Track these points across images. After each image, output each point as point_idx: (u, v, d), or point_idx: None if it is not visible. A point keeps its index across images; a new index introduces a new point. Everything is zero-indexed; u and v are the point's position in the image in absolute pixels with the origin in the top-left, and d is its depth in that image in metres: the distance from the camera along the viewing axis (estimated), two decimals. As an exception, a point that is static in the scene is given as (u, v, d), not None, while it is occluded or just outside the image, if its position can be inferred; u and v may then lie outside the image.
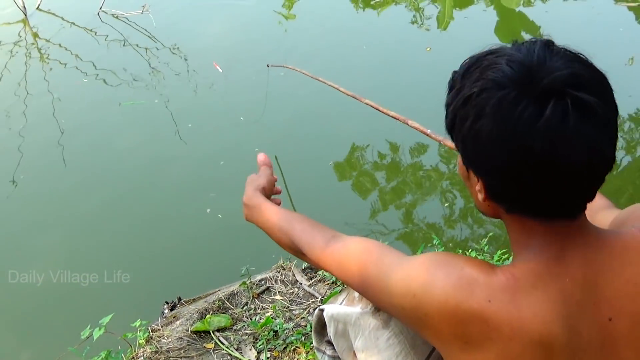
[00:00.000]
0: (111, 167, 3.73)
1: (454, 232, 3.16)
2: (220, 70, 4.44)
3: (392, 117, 2.79)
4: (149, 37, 4.99)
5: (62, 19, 5.36)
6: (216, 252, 3.11)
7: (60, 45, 4.95)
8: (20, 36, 5.20)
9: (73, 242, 3.20)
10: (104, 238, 3.22)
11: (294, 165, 3.46)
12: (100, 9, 5.31)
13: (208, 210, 3.28)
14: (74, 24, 5.25)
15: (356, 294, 1.13)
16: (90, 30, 5.16)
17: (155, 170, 3.71)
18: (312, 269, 2.48)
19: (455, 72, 0.93)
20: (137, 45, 4.93)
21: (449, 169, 3.57)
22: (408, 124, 2.69)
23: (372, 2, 5.27)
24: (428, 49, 4.64)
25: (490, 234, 2.66)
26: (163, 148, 3.83)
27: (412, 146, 3.67)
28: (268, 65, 3.82)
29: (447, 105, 0.91)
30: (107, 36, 5.04)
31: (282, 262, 2.56)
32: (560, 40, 0.90)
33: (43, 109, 4.19)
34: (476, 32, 4.78)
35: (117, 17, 5.27)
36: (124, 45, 4.92)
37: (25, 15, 5.34)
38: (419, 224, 3.23)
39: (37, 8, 5.45)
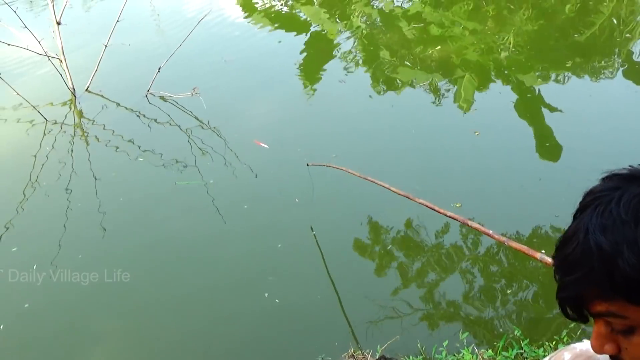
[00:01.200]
0: (164, 248, 3.98)
1: (478, 312, 3.42)
2: (265, 146, 4.91)
3: (450, 217, 2.90)
4: (196, 119, 5.48)
5: (110, 100, 5.90)
6: (276, 339, 3.27)
7: (104, 128, 5.43)
8: (67, 116, 5.68)
9: (132, 327, 3.44)
10: (160, 320, 3.45)
11: (334, 243, 3.93)
12: (149, 90, 5.82)
13: (266, 294, 3.52)
14: (119, 104, 5.78)
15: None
16: (138, 112, 5.67)
17: (210, 251, 3.96)
18: (388, 358, 2.64)
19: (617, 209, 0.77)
20: (186, 128, 5.37)
21: (469, 247, 3.92)
22: (468, 225, 2.82)
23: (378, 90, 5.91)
24: (477, 132, 4.98)
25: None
26: (218, 229, 4.11)
27: (437, 229, 4.03)
28: (308, 165, 4.22)
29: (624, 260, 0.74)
30: (156, 119, 5.53)
31: (352, 350, 2.84)
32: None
33: (86, 189, 4.58)
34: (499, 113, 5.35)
35: (165, 99, 5.80)
36: (170, 125, 5.38)
37: (74, 95, 5.87)
38: (441, 302, 3.51)
39: (86, 90, 6.00)
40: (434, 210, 2.97)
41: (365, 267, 3.79)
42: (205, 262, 3.89)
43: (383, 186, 3.33)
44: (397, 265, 3.84)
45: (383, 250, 3.96)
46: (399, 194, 3.23)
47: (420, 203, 3.08)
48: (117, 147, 5.15)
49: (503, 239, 2.61)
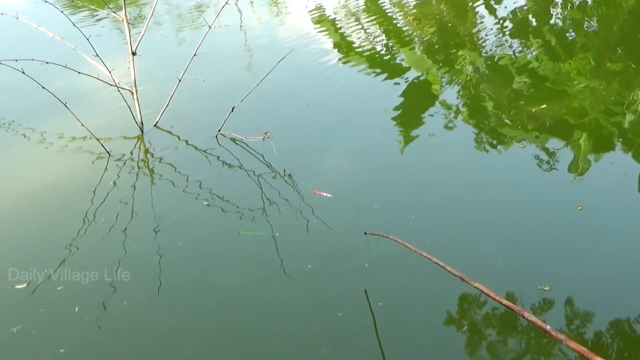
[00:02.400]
0: (216, 306, 4.33)
1: None
2: (329, 195, 5.29)
3: (505, 305, 3.13)
4: (267, 165, 5.92)
5: (178, 138, 6.52)
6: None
7: (174, 168, 5.98)
8: (133, 152, 6.33)
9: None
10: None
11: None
12: (219, 131, 6.39)
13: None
14: (188, 142, 6.38)
15: None
16: (207, 153, 6.20)
17: (264, 314, 4.25)
18: None
19: None
20: (257, 173, 5.83)
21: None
22: (524, 316, 3.00)
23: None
24: (579, 207, 5.07)
25: None
26: (276, 289, 4.43)
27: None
28: (366, 233, 4.48)
29: None
30: (225, 161, 6.03)
31: None
32: None
33: (144, 230, 5.07)
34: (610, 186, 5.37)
35: (235, 141, 6.34)
36: (238, 169, 5.88)
37: (142, 130, 6.56)
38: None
39: (155, 125, 6.68)
40: (489, 296, 3.24)
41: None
42: (259, 320, 4.21)
43: (438, 264, 3.63)
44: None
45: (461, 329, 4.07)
46: (454, 274, 3.52)
47: (476, 287, 3.34)
48: (183, 188, 5.68)
49: (561, 336, 2.75)
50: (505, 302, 3.13)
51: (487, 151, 6.26)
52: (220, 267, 4.74)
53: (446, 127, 6.73)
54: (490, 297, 3.23)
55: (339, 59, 8.70)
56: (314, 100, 7.31)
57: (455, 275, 3.53)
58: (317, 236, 4.96)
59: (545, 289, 4.29)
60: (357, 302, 4.31)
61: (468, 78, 7.98)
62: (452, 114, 7.02)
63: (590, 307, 4.22)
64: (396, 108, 7.14)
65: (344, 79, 8.05)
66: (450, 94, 7.52)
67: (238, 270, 4.68)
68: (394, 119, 6.91)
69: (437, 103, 7.32)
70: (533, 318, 2.90)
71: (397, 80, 7.95)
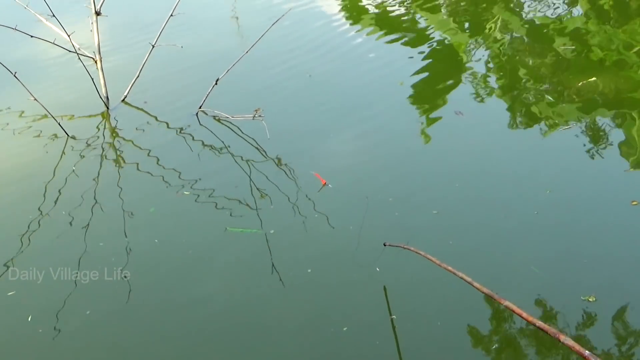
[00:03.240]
0: (196, 321, 4.24)
1: None
2: (329, 185, 5.26)
3: (539, 327, 3.16)
4: (257, 149, 5.84)
5: (151, 115, 6.43)
6: None
7: (146, 152, 5.91)
8: (97, 133, 6.24)
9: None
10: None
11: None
12: (200, 107, 6.28)
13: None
14: (163, 122, 6.31)
15: None
16: (185, 134, 6.13)
17: (255, 331, 4.17)
18: None
19: None
20: (242, 158, 5.77)
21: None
22: (560, 340, 3.00)
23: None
24: (634, 202, 5.02)
25: None
26: (269, 298, 4.35)
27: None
28: (385, 245, 4.46)
29: None
30: (206, 145, 5.96)
31: None
32: None
33: (113, 226, 4.98)
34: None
35: (219, 120, 6.24)
36: (224, 153, 5.83)
37: (107, 107, 6.45)
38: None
39: (123, 100, 6.57)
40: (521, 317, 3.32)
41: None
42: (250, 337, 4.14)
43: (464, 279, 3.69)
44: None
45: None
46: (482, 291, 3.59)
47: (506, 306, 3.42)
48: (157, 176, 5.63)
49: (586, 352, 2.84)
50: (539, 323, 3.18)
51: (525, 133, 6.18)
52: (201, 273, 4.65)
53: (475, 104, 6.68)
54: (522, 317, 3.31)
55: (347, 23, 8.62)
56: (315, 73, 7.23)
57: (483, 292, 3.58)
58: (319, 235, 4.89)
59: (590, 299, 4.22)
60: (365, 315, 4.24)
61: (501, 44, 7.89)
62: (483, 88, 6.95)
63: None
64: (415, 81, 7.08)
65: (353, 46, 8.00)
66: (480, 64, 7.46)
67: (224, 276, 4.60)
68: (412, 94, 6.85)
69: (464, 75, 7.25)
70: (570, 342, 2.93)
71: (416, 47, 7.88)
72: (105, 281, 4.56)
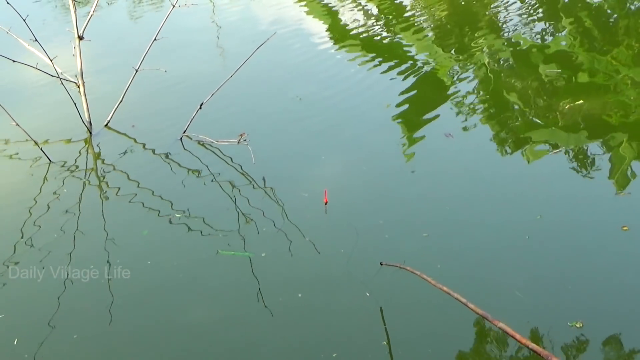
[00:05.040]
0: (183, 350, 4.21)
1: None
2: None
3: (532, 349, 3.29)
4: (243, 174, 5.85)
5: (135, 141, 6.44)
6: None
7: (122, 172, 5.92)
8: (79, 158, 6.22)
9: None
10: None
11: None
12: (185, 133, 6.29)
13: None
14: (147, 147, 6.31)
15: None
16: (170, 159, 6.14)
17: (238, 357, 4.18)
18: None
19: None
20: (230, 183, 5.77)
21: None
22: None
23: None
24: (625, 228, 5.03)
25: None
26: (258, 323, 4.36)
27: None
28: (381, 264, 4.52)
29: None
30: (190, 171, 5.96)
31: None
32: None
33: (97, 254, 4.93)
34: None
35: (203, 145, 6.26)
36: (210, 179, 5.82)
37: (90, 132, 6.45)
38: None
39: (106, 125, 6.58)
40: (515, 338, 3.44)
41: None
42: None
43: (459, 300, 3.76)
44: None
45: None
46: (477, 313, 3.65)
47: (500, 328, 3.53)
48: (140, 202, 5.62)
49: None
50: (532, 345, 3.28)
51: (512, 157, 6.21)
52: (191, 297, 4.67)
53: (463, 127, 6.71)
54: (516, 339, 3.39)
55: (333, 46, 8.71)
56: (302, 95, 7.29)
57: (478, 313, 3.62)
58: (309, 258, 4.92)
59: (577, 325, 4.24)
60: (356, 341, 4.24)
61: (487, 68, 7.96)
62: (470, 111, 7.01)
63: (632, 347, 4.18)
64: (402, 103, 7.13)
65: (339, 69, 8.04)
66: (466, 87, 7.51)
67: (214, 300, 4.63)
68: (399, 116, 6.89)
69: (451, 98, 7.31)
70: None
71: (402, 70, 7.93)
72: (87, 310, 4.57)
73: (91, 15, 6.66)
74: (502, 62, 8.20)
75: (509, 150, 6.32)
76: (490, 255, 4.93)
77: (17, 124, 5.95)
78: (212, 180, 5.91)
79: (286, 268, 4.86)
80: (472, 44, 8.62)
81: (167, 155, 6.27)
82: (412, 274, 4.26)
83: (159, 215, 5.44)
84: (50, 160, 6.12)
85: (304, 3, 10.11)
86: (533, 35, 8.80)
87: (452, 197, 5.55)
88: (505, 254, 4.92)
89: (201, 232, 5.22)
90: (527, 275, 4.68)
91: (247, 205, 5.51)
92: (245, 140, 6.00)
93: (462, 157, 6.14)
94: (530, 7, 9.60)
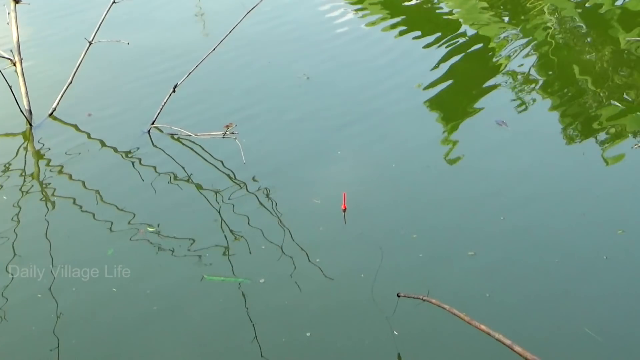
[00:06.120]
0: None
1: None
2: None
3: None
4: (229, 176, 5.79)
5: (89, 135, 6.35)
6: None
7: (76, 177, 5.82)
8: (16, 158, 6.15)
9: None
10: None
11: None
12: (153, 123, 6.22)
13: None
14: (105, 143, 6.21)
15: None
16: (134, 158, 6.06)
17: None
18: None
19: None
20: (212, 186, 5.71)
21: None
22: None
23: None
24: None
25: None
26: None
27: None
28: (399, 296, 4.50)
29: None
30: (159, 172, 5.88)
31: None
32: None
33: (45, 279, 4.83)
34: None
35: (179, 139, 6.20)
36: (186, 181, 5.77)
37: (30, 123, 6.38)
38: None
39: (51, 115, 6.51)
40: None
41: None
42: None
43: (502, 342, 3.81)
44: None
45: None
46: (525, 358, 3.67)
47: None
48: (96, 213, 5.54)
49: None
50: None
51: (585, 153, 6.18)
52: (167, 334, 4.60)
53: (517, 114, 6.68)
54: None
55: (346, 9, 8.67)
56: (308, 74, 7.26)
57: (527, 359, 3.63)
58: (320, 286, 4.88)
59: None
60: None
61: (550, 36, 7.91)
62: (528, 92, 6.96)
63: None
64: (437, 83, 7.12)
65: (355, 39, 8.01)
66: (523, 62, 7.48)
67: (196, 341, 4.54)
68: (435, 99, 6.87)
69: (503, 75, 7.27)
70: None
71: (438, 40, 7.93)
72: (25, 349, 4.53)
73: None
74: (570, 27, 8.15)
75: (580, 144, 6.34)
76: (554, 280, 4.88)
77: None
78: (190, 185, 5.87)
79: (291, 299, 4.80)
80: (528, 5, 8.54)
81: (130, 154, 6.21)
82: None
83: (126, 231, 5.37)
84: (-21, 161, 6.05)
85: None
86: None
87: (506, 204, 5.53)
88: (574, 280, 4.86)
89: (180, 252, 5.16)
90: (603, 308, 4.65)
91: (239, 217, 5.47)
92: (233, 133, 5.96)
93: (519, 152, 6.13)
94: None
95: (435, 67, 7.37)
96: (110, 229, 5.42)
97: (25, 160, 6.27)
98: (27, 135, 6.47)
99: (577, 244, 5.17)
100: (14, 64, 6.47)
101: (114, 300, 4.83)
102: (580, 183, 5.86)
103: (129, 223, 5.46)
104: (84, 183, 5.92)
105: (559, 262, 5.00)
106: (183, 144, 6.29)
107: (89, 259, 5.13)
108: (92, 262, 5.07)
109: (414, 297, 4.44)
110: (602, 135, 6.34)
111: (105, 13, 6.54)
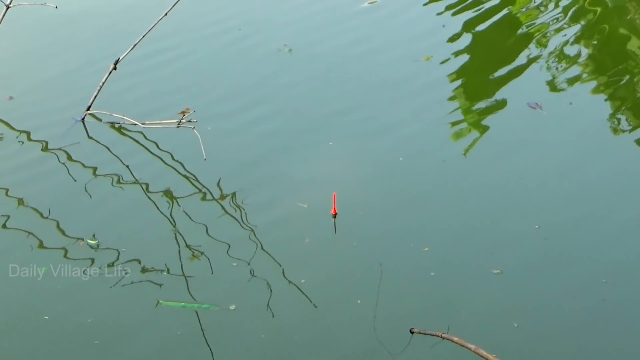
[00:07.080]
0: None
1: None
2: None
3: None
4: (187, 176, 5.80)
5: (9, 125, 6.33)
6: None
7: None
8: None
9: None
10: None
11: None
12: (88, 109, 6.20)
13: None
14: (29, 136, 6.22)
15: None
16: (64, 152, 6.05)
17: None
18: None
19: None
20: (167, 191, 5.69)
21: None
22: None
23: None
24: None
25: None
26: None
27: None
28: (412, 332, 4.56)
29: None
30: (97, 172, 5.85)
31: None
32: None
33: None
34: None
35: (120, 130, 6.19)
36: (130, 183, 5.76)
37: None
38: None
39: None
40: None
41: None
42: None
43: None
44: None
45: None
46: None
47: None
48: (19, 220, 5.55)
49: None
50: None
51: (635, 142, 6.23)
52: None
53: (554, 95, 6.73)
54: None
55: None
56: (284, 43, 7.33)
57: None
58: (305, 315, 4.88)
59: None
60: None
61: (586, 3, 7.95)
62: (566, 71, 7.02)
63: None
64: (455, 55, 7.18)
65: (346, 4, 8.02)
66: (562, 32, 7.57)
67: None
68: (451, 77, 6.92)
69: (534, 48, 7.31)
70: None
71: (456, 4, 7.99)
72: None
73: None
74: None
75: (630, 133, 6.43)
76: (602, 306, 4.90)
77: None
78: (136, 188, 5.87)
79: (268, 330, 4.79)
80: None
81: (59, 148, 6.20)
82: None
83: (61, 245, 5.36)
84: None
85: None
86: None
87: (540, 208, 5.57)
88: (627, 304, 4.91)
89: (130, 271, 5.16)
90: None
91: (200, 227, 5.50)
92: (190, 121, 5.98)
93: (557, 141, 6.17)
94: None
95: (454, 39, 7.39)
96: (43, 242, 5.42)
97: None
98: None
99: (631, 259, 5.21)
100: None
101: (45, 332, 4.83)
102: (633, 181, 5.95)
103: (64, 235, 5.45)
104: (6, 191, 5.90)
105: (606, 283, 5.02)
106: (125, 135, 6.30)
107: (20, 279, 5.15)
108: (19, 283, 5.11)
109: (430, 335, 4.45)
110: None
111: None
